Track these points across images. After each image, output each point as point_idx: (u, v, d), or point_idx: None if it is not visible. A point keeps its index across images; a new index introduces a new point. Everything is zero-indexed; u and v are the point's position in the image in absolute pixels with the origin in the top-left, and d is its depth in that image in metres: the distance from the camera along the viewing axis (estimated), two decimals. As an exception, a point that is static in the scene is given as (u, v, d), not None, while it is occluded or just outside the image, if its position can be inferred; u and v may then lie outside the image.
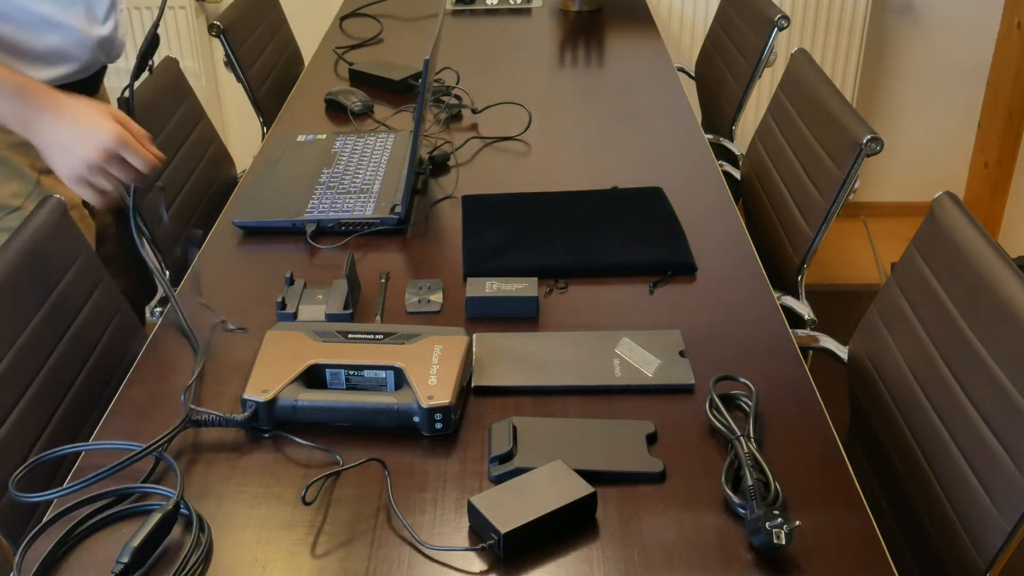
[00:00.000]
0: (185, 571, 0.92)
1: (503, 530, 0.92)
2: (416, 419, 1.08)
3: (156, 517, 0.95)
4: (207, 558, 0.94)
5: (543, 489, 0.97)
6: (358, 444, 1.08)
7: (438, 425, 1.08)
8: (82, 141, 1.20)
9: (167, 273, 1.74)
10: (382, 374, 1.12)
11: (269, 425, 1.10)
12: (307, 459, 1.06)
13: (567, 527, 0.96)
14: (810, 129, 1.73)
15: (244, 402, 1.10)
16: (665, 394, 1.15)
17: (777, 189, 1.82)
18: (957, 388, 1.14)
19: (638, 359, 1.19)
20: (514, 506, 0.95)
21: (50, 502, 1.01)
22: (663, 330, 1.25)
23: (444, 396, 1.07)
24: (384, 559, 0.94)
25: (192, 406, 1.11)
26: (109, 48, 1.59)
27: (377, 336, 1.16)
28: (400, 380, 1.11)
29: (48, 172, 1.49)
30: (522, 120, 1.91)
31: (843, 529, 0.95)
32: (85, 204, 1.58)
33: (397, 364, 1.11)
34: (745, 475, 0.98)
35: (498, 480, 1.02)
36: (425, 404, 1.07)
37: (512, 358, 1.20)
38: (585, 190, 1.62)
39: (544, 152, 1.80)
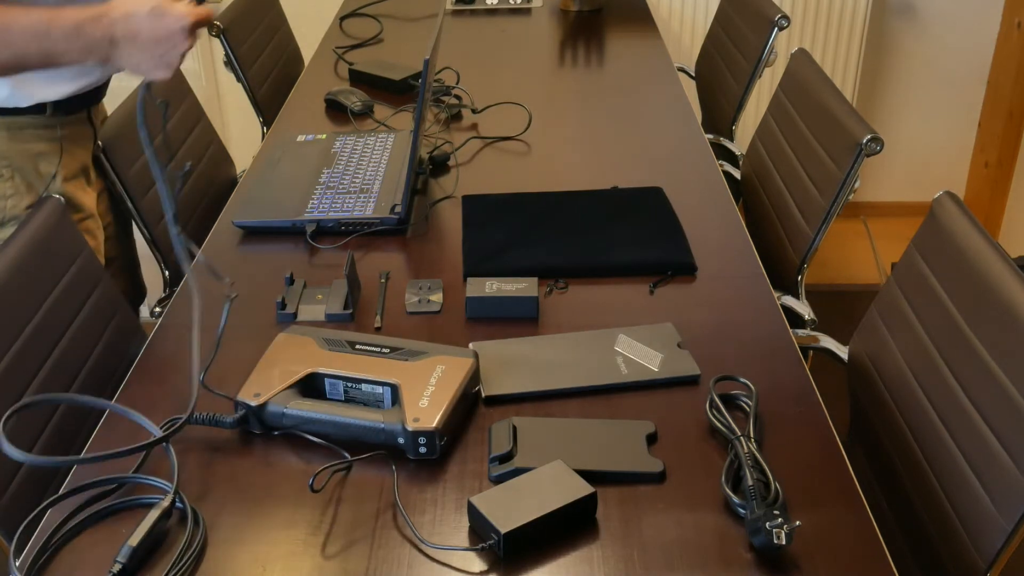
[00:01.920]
0: (180, 565, 0.92)
1: (503, 530, 0.92)
2: (401, 440, 1.05)
3: (154, 515, 0.95)
4: (202, 552, 0.95)
5: (543, 489, 0.97)
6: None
7: (422, 449, 1.04)
8: (166, 41, 1.24)
9: (167, 274, 1.74)
10: (379, 389, 1.10)
11: (259, 429, 1.09)
12: (308, 459, 1.06)
13: (567, 527, 0.96)
14: (810, 129, 1.73)
15: (236, 404, 1.10)
16: (666, 392, 1.15)
17: (777, 189, 1.82)
18: (957, 388, 1.14)
19: (640, 355, 1.19)
20: (514, 506, 0.95)
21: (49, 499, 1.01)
22: (655, 324, 1.25)
23: (430, 420, 1.04)
24: (384, 559, 0.94)
25: (196, 412, 1.10)
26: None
27: (384, 350, 1.14)
28: (396, 398, 1.09)
29: (69, 179, 1.50)
30: (522, 120, 1.91)
31: (843, 529, 0.95)
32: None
33: (394, 381, 1.09)
34: (745, 475, 0.98)
35: (498, 480, 1.02)
36: (410, 427, 1.04)
37: (515, 365, 1.19)
38: (585, 190, 1.62)
39: (544, 152, 1.80)
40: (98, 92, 1.57)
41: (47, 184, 1.47)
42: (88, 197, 1.56)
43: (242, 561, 0.94)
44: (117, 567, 0.91)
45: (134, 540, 0.93)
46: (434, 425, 1.03)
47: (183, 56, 1.26)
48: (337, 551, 0.95)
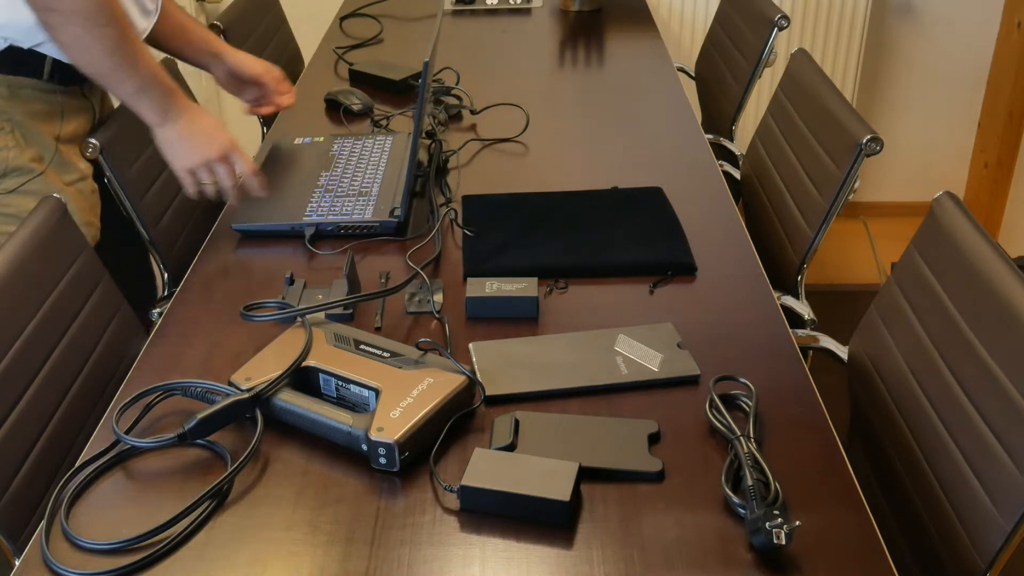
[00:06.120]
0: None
1: (463, 483, 0.97)
2: (364, 447, 1.04)
3: (230, 400, 1.06)
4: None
5: (532, 474, 0.98)
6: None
7: (382, 460, 1.02)
8: (206, 141, 1.49)
9: (166, 275, 1.74)
10: (365, 392, 1.10)
11: (248, 412, 1.09)
12: (308, 458, 1.06)
13: (532, 518, 0.97)
14: (810, 129, 1.73)
15: (229, 384, 1.11)
16: (666, 392, 1.15)
17: (777, 189, 1.82)
18: (957, 388, 1.14)
19: (639, 355, 1.19)
20: (495, 472, 0.98)
21: (45, 505, 1.01)
22: (655, 324, 1.25)
23: (392, 433, 1.01)
24: (384, 559, 0.94)
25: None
26: None
27: (384, 354, 1.13)
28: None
29: (68, 141, 1.59)
30: (522, 120, 1.91)
31: (843, 529, 0.95)
32: (96, 179, 1.66)
33: (377, 386, 1.08)
34: (745, 475, 0.98)
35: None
36: (372, 435, 1.01)
37: (515, 365, 1.19)
38: (585, 190, 1.62)
39: (544, 152, 1.80)
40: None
41: (50, 142, 1.55)
42: (84, 163, 1.63)
43: (242, 561, 0.94)
44: (181, 430, 1.04)
45: (203, 414, 1.04)
46: (395, 438, 1.01)
47: (204, 166, 1.50)
48: (337, 551, 0.95)
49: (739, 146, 2.28)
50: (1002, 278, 1.11)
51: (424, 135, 1.77)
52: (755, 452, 1.01)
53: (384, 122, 1.93)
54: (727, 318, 1.29)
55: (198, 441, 1.07)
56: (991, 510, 1.04)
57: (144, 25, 1.66)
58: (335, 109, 2.00)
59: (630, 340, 1.23)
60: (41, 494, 1.19)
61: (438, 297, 1.34)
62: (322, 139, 1.82)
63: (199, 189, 1.52)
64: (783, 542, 0.90)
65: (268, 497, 1.02)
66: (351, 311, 1.30)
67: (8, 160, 1.50)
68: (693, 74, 2.70)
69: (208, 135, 1.50)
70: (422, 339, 1.24)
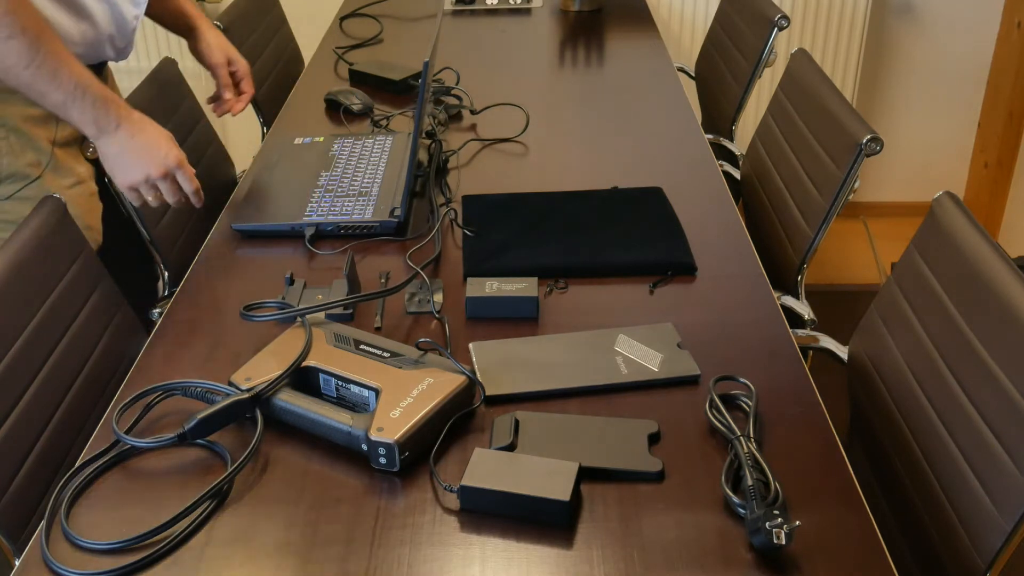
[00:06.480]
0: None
1: (464, 483, 0.97)
2: (364, 447, 1.04)
3: (230, 400, 1.06)
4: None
5: (532, 474, 0.98)
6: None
7: (382, 460, 1.03)
8: (149, 157, 1.42)
9: (167, 274, 1.74)
10: (365, 392, 1.10)
11: (248, 412, 1.09)
12: (308, 458, 1.06)
13: (532, 518, 0.97)
14: (810, 129, 1.73)
15: (229, 384, 1.11)
16: (666, 392, 1.15)
17: (777, 189, 1.82)
18: (957, 388, 1.14)
19: (639, 355, 1.19)
20: (495, 472, 0.98)
21: (45, 505, 1.01)
22: (655, 324, 1.25)
23: (392, 433, 1.01)
24: (384, 559, 0.94)
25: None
26: (126, 39, 1.64)
27: (384, 354, 1.13)
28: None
29: (64, 145, 1.56)
30: (522, 120, 1.91)
31: (843, 529, 0.95)
32: (98, 182, 1.63)
33: (377, 386, 1.08)
34: (745, 475, 0.98)
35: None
36: (372, 435, 1.02)
37: (515, 365, 1.19)
38: (585, 190, 1.62)
39: (544, 152, 1.80)
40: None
41: (45, 146, 1.52)
42: (83, 167, 1.60)
43: (242, 561, 0.94)
44: (181, 430, 1.04)
45: (203, 414, 1.04)
46: (395, 438, 1.01)
47: (146, 183, 1.43)
48: (337, 551, 0.95)
49: (739, 146, 2.28)
50: (1002, 278, 1.11)
51: (424, 135, 1.77)
52: (755, 452, 1.01)
53: (384, 122, 1.93)
54: (727, 318, 1.29)
55: (198, 441, 1.07)
56: (991, 510, 1.04)
57: (135, 12, 1.65)
58: (335, 109, 2.00)
59: (630, 340, 1.23)
60: (41, 494, 1.19)
61: (438, 297, 1.34)
62: (322, 139, 1.82)
63: (143, 204, 1.48)
64: (783, 542, 0.90)
65: (268, 497, 1.02)
66: (351, 311, 1.30)
67: (2, 167, 1.48)
68: (693, 74, 2.70)
69: (150, 151, 1.42)
70: (422, 339, 1.24)
